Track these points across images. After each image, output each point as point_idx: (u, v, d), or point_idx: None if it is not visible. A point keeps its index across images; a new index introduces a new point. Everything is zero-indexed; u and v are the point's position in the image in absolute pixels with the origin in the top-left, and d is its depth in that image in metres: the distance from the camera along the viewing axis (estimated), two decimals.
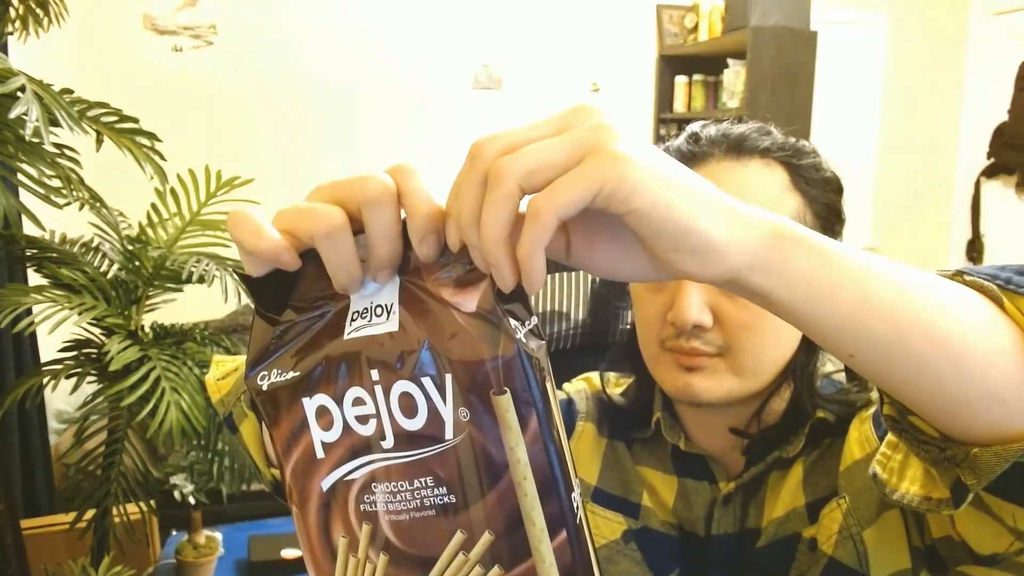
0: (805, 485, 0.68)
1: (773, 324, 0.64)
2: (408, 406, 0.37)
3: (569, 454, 0.38)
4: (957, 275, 0.43)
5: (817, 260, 0.37)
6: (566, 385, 0.86)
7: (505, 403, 0.36)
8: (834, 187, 0.70)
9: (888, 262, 0.40)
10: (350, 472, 0.38)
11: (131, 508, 1.60)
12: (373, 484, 0.38)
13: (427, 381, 0.37)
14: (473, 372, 0.36)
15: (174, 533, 2.14)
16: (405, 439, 0.37)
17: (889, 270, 0.39)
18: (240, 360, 0.64)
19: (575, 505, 0.37)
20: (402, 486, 0.38)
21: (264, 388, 0.39)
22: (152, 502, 1.63)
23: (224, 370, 0.63)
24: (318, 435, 0.39)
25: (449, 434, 0.37)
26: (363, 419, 0.38)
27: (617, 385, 0.83)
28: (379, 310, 0.38)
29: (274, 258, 0.37)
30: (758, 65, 3.16)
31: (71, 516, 1.58)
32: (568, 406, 0.83)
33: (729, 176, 0.66)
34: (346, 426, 0.38)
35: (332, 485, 0.39)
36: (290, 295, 0.39)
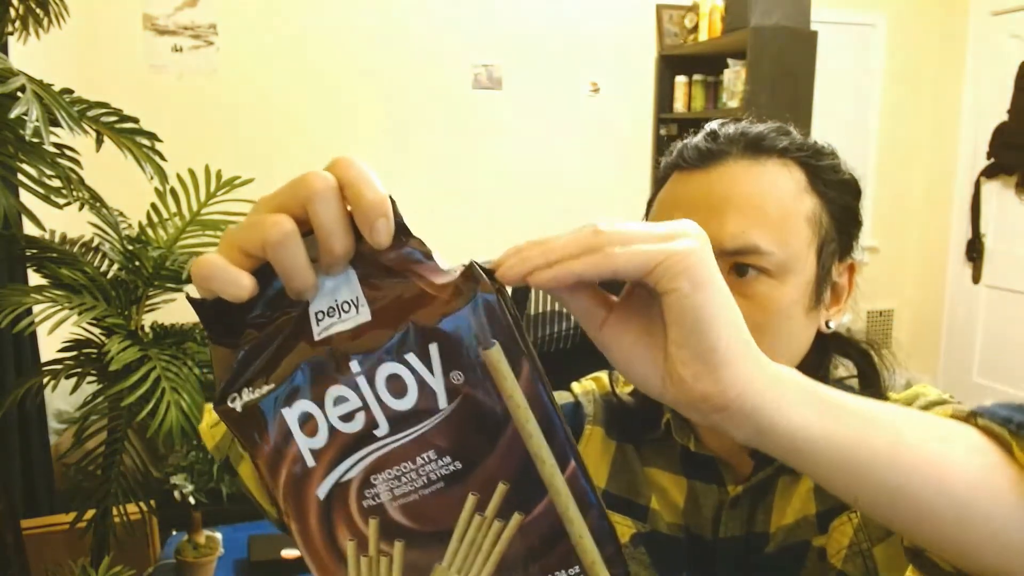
0: (816, 493, 0.68)
1: (785, 326, 0.64)
2: (397, 388, 0.37)
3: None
4: (971, 417, 0.44)
5: (818, 408, 0.39)
6: (574, 385, 0.85)
7: (496, 354, 0.37)
8: (852, 190, 0.69)
9: (892, 408, 0.42)
10: (346, 472, 0.38)
11: (131, 508, 1.60)
12: (373, 476, 0.38)
13: (411, 357, 0.37)
14: (460, 332, 0.36)
15: (174, 533, 2.14)
16: (399, 420, 0.37)
17: (890, 415, 0.40)
18: None
19: (571, 435, 0.38)
20: (405, 467, 0.38)
21: (238, 409, 0.38)
22: (152, 502, 1.63)
23: (215, 416, 0.63)
24: (305, 443, 0.38)
25: (443, 403, 0.37)
26: (348, 416, 0.37)
27: (627, 383, 0.83)
28: (345, 305, 0.38)
29: (240, 291, 0.36)
30: (758, 65, 3.16)
31: (71, 516, 1.58)
32: (575, 409, 0.82)
33: (746, 174, 0.65)
34: (331, 428, 0.38)
35: (329, 491, 0.38)
36: (245, 314, 0.38)
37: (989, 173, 3.95)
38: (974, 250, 4.04)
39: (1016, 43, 3.80)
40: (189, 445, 1.64)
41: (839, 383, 0.71)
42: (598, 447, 0.79)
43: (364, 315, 0.37)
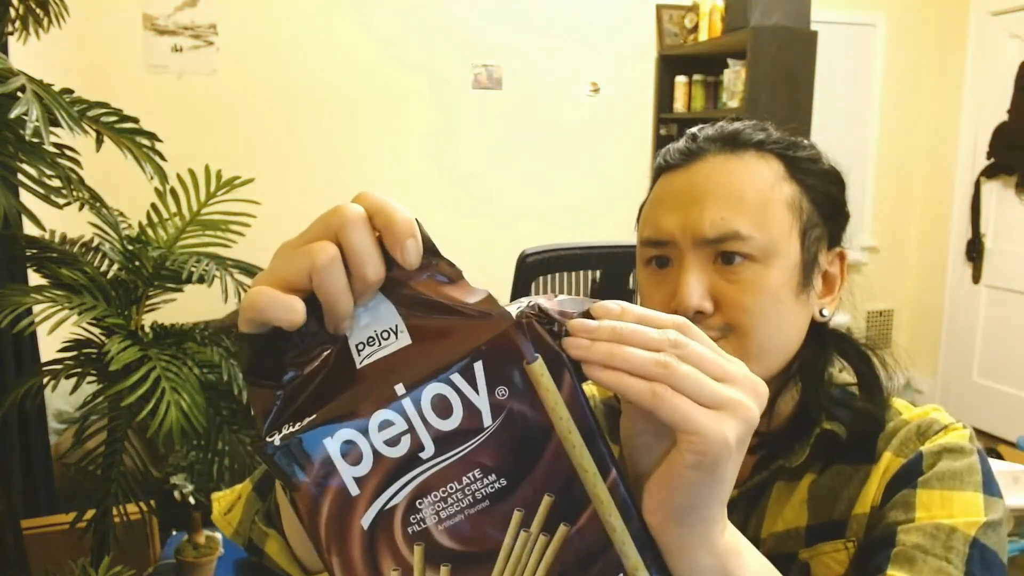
0: (809, 506, 0.68)
1: (775, 309, 0.65)
2: (442, 408, 0.38)
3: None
4: None
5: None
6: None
7: (539, 368, 0.38)
8: (833, 179, 0.71)
9: None
10: (392, 497, 0.38)
11: (131, 508, 1.60)
12: (418, 501, 0.38)
13: (456, 377, 0.37)
14: (502, 348, 0.37)
15: (174, 533, 2.14)
16: (445, 441, 0.38)
17: None
18: (239, 487, 0.65)
19: (610, 444, 0.39)
20: (451, 488, 0.38)
21: (277, 443, 0.37)
22: (152, 502, 1.63)
23: (227, 502, 0.63)
24: (348, 472, 0.38)
25: (488, 420, 0.38)
26: (394, 441, 0.38)
27: None
28: (385, 334, 0.38)
29: (296, 316, 0.37)
30: (758, 65, 3.16)
31: (71, 516, 1.57)
32: None
33: (724, 167, 0.67)
34: (376, 453, 0.38)
35: (374, 519, 0.38)
36: (284, 354, 0.39)
37: (989, 173, 3.95)
38: (974, 250, 4.04)
39: (1016, 43, 3.80)
40: (189, 445, 1.64)
41: (843, 389, 0.71)
42: None
43: (404, 340, 0.38)
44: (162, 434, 1.31)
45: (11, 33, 1.51)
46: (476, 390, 0.38)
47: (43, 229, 1.46)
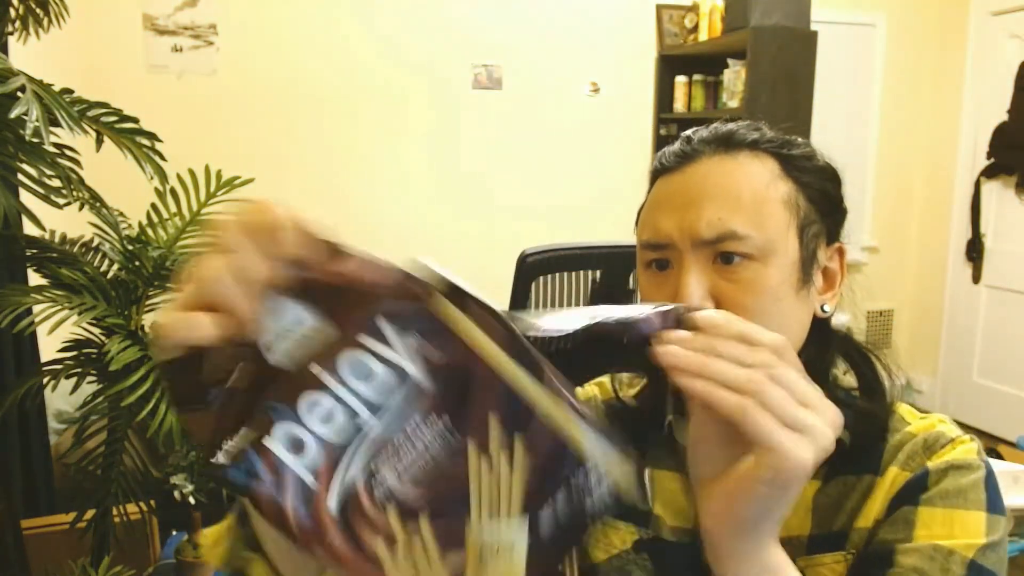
0: (814, 515, 0.68)
1: (776, 307, 0.65)
2: (361, 372, 0.38)
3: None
4: None
5: None
6: (577, 391, 0.85)
7: (439, 302, 0.39)
8: (829, 175, 0.71)
9: None
10: (347, 473, 0.38)
11: (131, 508, 1.60)
12: (373, 464, 0.39)
13: (364, 339, 0.39)
14: (400, 298, 0.38)
15: (174, 533, 2.14)
16: (376, 400, 0.38)
17: None
18: (221, 524, 0.65)
19: (532, 350, 0.40)
20: (399, 442, 0.39)
21: (223, 461, 0.38)
22: (152, 502, 1.63)
23: (213, 537, 0.63)
24: (298, 464, 0.38)
25: (410, 368, 0.39)
26: (328, 418, 0.38)
27: (631, 386, 0.83)
28: (291, 325, 0.39)
29: (207, 330, 0.38)
30: (758, 65, 3.15)
31: (71, 516, 1.58)
32: None
33: (719, 168, 0.67)
34: (317, 437, 0.38)
35: (339, 499, 0.38)
36: (204, 375, 0.39)
37: (989, 173, 3.95)
38: (974, 250, 4.04)
39: (1016, 43, 3.80)
40: (189, 445, 1.64)
41: (846, 393, 0.71)
42: None
43: (309, 323, 0.39)
44: (162, 434, 1.31)
45: (11, 33, 1.51)
46: (389, 344, 0.38)
47: (43, 229, 1.46)
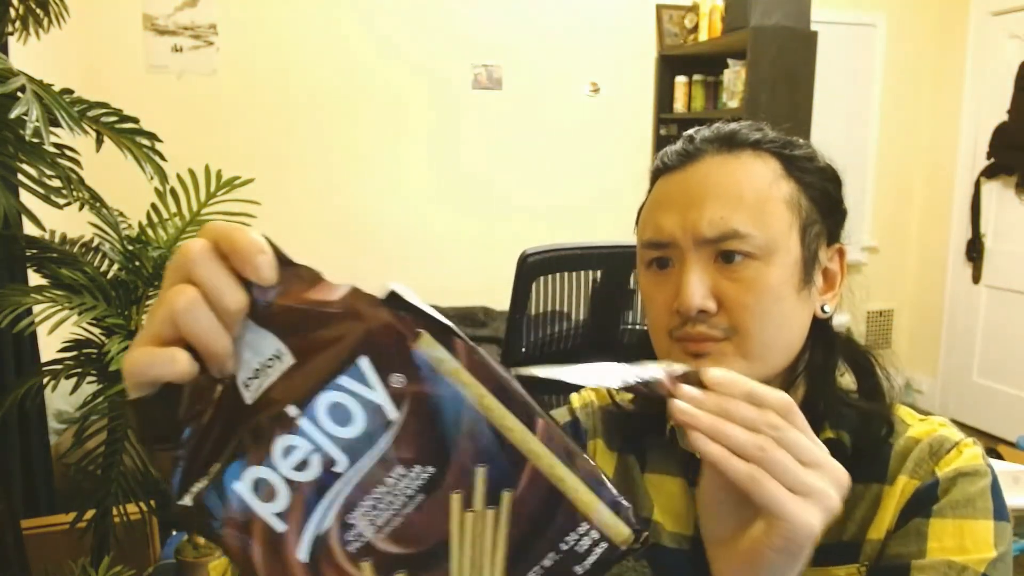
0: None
1: (778, 306, 0.65)
2: (340, 415, 0.36)
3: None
4: None
5: None
6: (573, 397, 0.85)
7: (427, 341, 0.36)
8: (830, 176, 0.71)
9: None
10: (320, 522, 0.36)
11: (131, 508, 1.60)
12: (348, 516, 0.36)
13: (344, 380, 0.36)
14: (382, 336, 0.35)
15: (174, 533, 2.14)
16: (355, 448, 0.36)
17: None
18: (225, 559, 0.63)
19: (527, 395, 0.37)
20: (378, 493, 0.36)
21: (190, 504, 0.36)
22: (152, 502, 1.63)
23: (221, 569, 0.62)
24: (267, 511, 0.36)
25: (392, 413, 0.36)
26: (302, 465, 0.36)
27: None
28: (269, 362, 0.36)
29: (180, 366, 0.35)
30: (758, 65, 3.15)
31: (71, 516, 1.57)
32: (574, 427, 0.81)
33: (721, 168, 0.67)
34: (289, 482, 0.36)
35: (310, 550, 0.36)
36: (177, 413, 0.37)
37: (989, 173, 3.95)
38: (974, 250, 4.04)
39: (1016, 43, 3.80)
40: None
41: (846, 395, 0.71)
42: (599, 460, 0.79)
43: (288, 361, 0.36)
44: None
45: (11, 33, 1.51)
46: (369, 386, 0.36)
47: (43, 229, 1.46)
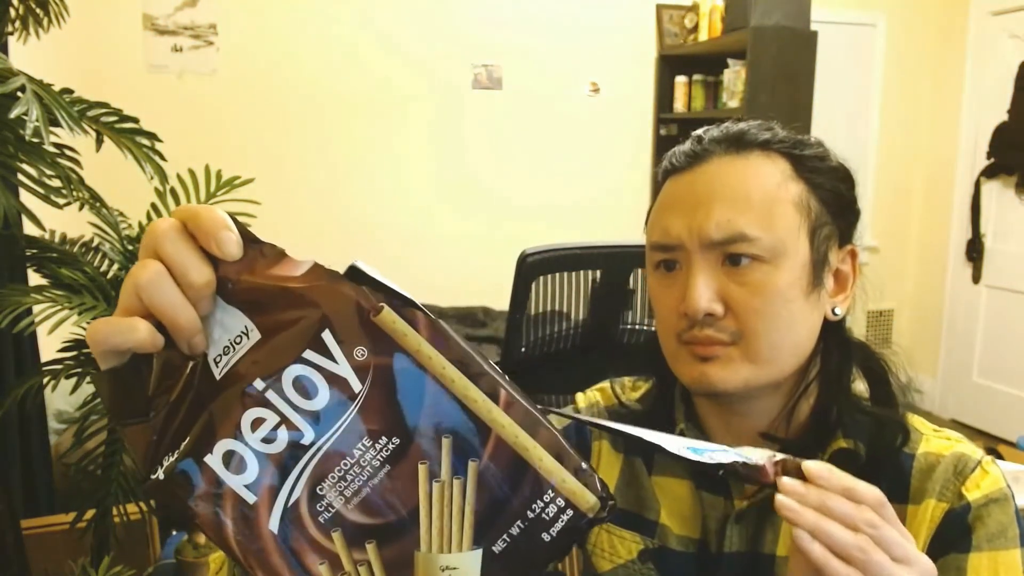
0: None
1: (786, 309, 0.64)
2: (305, 388, 0.37)
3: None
4: None
5: None
6: (579, 397, 0.84)
7: (388, 315, 0.37)
8: (842, 176, 0.70)
9: None
10: (290, 493, 0.37)
11: (131, 508, 1.60)
12: (318, 487, 0.37)
13: (309, 354, 0.37)
14: (344, 309, 0.36)
15: (174, 533, 2.14)
16: (322, 420, 0.37)
17: None
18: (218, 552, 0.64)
19: (494, 365, 0.38)
20: (346, 464, 0.37)
21: (162, 477, 0.37)
22: (152, 502, 1.63)
23: (219, 561, 0.63)
24: (238, 482, 0.37)
25: (356, 385, 0.37)
26: (270, 437, 0.37)
27: (635, 389, 0.82)
28: (237, 338, 0.37)
29: (142, 335, 0.36)
30: (758, 65, 3.15)
31: (71, 516, 1.57)
32: (578, 429, 0.81)
33: (730, 168, 0.66)
34: (258, 454, 0.37)
35: (280, 519, 0.37)
36: (146, 388, 0.38)
37: (989, 173, 3.95)
38: (974, 250, 4.04)
39: (1016, 43, 3.80)
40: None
41: (858, 400, 0.70)
42: (607, 461, 0.79)
43: (255, 337, 0.37)
44: None
45: (11, 33, 1.51)
46: (333, 359, 0.36)
47: (43, 229, 1.46)
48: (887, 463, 0.67)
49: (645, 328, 1.52)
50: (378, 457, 0.37)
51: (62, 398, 2.41)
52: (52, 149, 1.27)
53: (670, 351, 0.69)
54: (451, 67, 3.61)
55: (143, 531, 1.89)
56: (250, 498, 0.37)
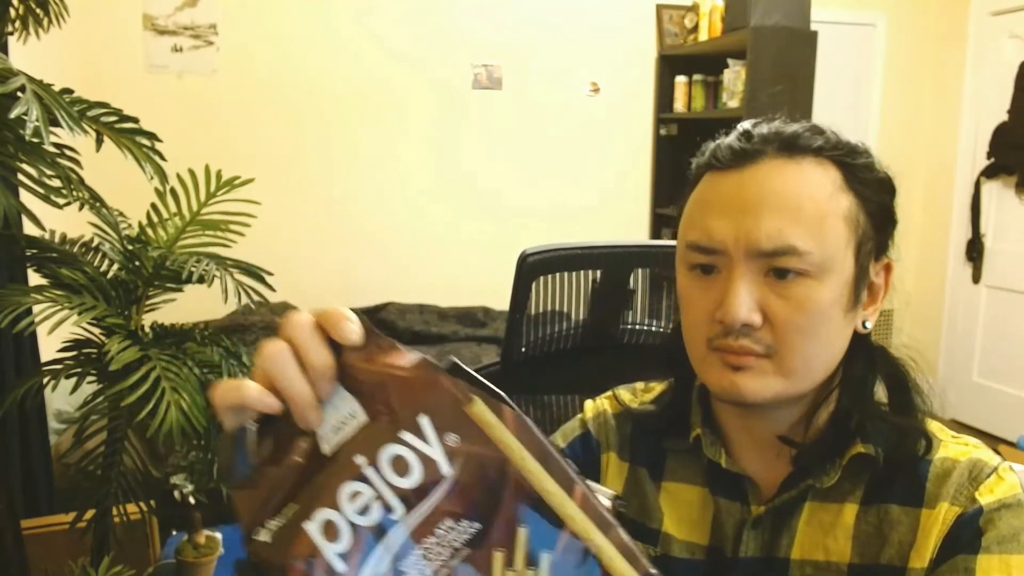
0: (855, 543, 0.66)
1: (825, 326, 0.63)
2: (400, 466, 0.40)
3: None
4: None
5: None
6: (588, 405, 0.83)
7: (479, 407, 0.40)
8: (887, 188, 0.70)
9: None
10: (376, 565, 0.39)
11: (131, 508, 1.60)
12: (400, 563, 0.39)
13: (406, 435, 0.40)
14: (441, 398, 0.40)
15: (174, 533, 2.14)
16: (411, 498, 0.39)
17: None
18: None
19: (570, 462, 0.40)
20: (429, 543, 0.39)
21: (269, 540, 0.40)
22: (152, 502, 1.63)
23: None
24: (331, 551, 0.39)
25: (446, 469, 0.39)
26: (365, 509, 0.39)
27: (647, 391, 0.81)
28: (345, 418, 0.41)
29: (269, 399, 0.40)
30: (758, 65, 3.15)
31: (71, 516, 1.57)
32: (584, 440, 0.80)
33: (781, 173, 0.63)
34: (352, 525, 0.39)
35: None
36: (258, 457, 0.41)
37: (989, 173, 3.95)
38: (974, 250, 4.04)
39: (1016, 43, 3.80)
40: (189, 445, 1.64)
41: (877, 406, 0.69)
42: (612, 472, 0.78)
43: (362, 418, 0.40)
44: (162, 434, 1.31)
45: (11, 33, 1.51)
46: (427, 442, 0.39)
47: (43, 229, 1.46)
48: (904, 469, 0.65)
49: (645, 328, 1.52)
50: (459, 539, 0.39)
51: (62, 398, 2.41)
52: (52, 149, 1.27)
53: (698, 355, 0.67)
54: (451, 67, 3.61)
55: (143, 531, 1.90)
56: (340, 567, 0.39)
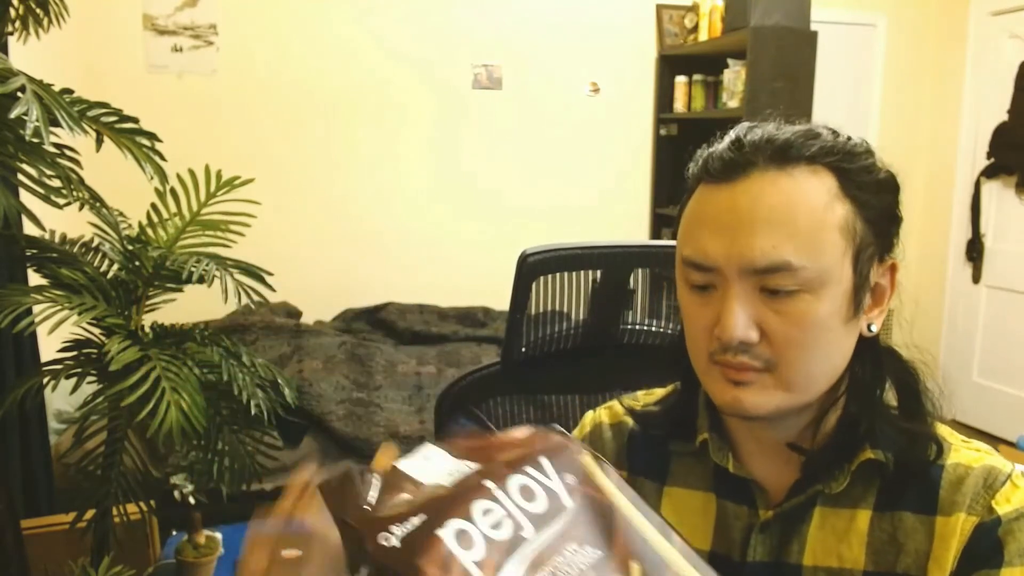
0: (869, 550, 0.65)
1: (824, 339, 0.62)
2: (528, 493, 0.44)
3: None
4: None
5: None
6: (587, 417, 0.83)
7: (588, 459, 0.47)
8: (889, 187, 0.69)
9: None
10: (512, 573, 0.42)
11: (131, 508, 1.60)
12: (533, 574, 0.42)
13: (530, 469, 0.45)
14: (560, 447, 0.47)
15: (174, 533, 2.14)
16: (540, 521, 0.43)
17: None
18: None
19: (659, 512, 0.47)
20: (558, 561, 0.42)
21: (398, 545, 0.41)
22: (152, 502, 1.63)
23: None
24: (467, 557, 0.41)
25: (567, 501, 0.45)
26: (497, 524, 0.43)
27: (649, 394, 0.81)
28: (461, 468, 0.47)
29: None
30: (758, 65, 3.15)
31: (71, 516, 1.57)
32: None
33: (774, 186, 0.62)
34: (486, 538, 0.42)
35: None
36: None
37: (989, 173, 3.95)
38: (974, 250, 4.04)
39: (1016, 43, 3.80)
40: (189, 445, 1.64)
41: (886, 409, 0.69)
42: None
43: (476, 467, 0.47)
44: (162, 434, 1.31)
45: (11, 33, 1.51)
46: (549, 477, 0.45)
47: (43, 229, 1.46)
48: (916, 474, 0.65)
49: (646, 328, 1.52)
50: (585, 561, 0.43)
51: (62, 398, 2.41)
52: (52, 149, 1.27)
53: (701, 367, 0.67)
54: (451, 67, 3.61)
55: (143, 531, 1.90)
56: (476, 573, 0.41)
